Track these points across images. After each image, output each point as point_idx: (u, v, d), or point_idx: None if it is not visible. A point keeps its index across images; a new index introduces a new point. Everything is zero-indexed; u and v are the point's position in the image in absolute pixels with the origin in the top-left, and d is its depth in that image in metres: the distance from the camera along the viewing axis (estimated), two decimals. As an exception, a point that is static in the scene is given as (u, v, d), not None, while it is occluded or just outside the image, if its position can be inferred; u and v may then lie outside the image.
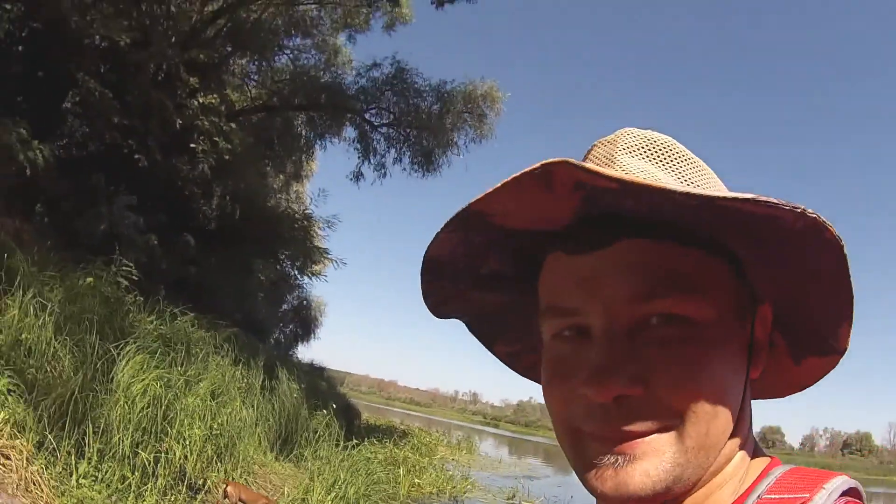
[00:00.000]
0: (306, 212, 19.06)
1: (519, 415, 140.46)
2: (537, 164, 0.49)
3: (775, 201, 0.48)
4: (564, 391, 0.58)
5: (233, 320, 12.18)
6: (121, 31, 11.45)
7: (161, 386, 6.95)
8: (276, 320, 24.91)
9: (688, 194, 0.48)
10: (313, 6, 18.52)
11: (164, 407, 6.81)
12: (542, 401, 0.63)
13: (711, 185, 0.64)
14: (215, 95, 13.29)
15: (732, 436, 0.58)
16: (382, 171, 19.82)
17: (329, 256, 18.62)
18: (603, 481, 0.55)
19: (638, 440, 0.54)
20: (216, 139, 12.62)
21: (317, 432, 11.84)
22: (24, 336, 6.29)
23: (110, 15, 11.75)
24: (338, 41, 19.99)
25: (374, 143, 19.60)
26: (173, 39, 12.97)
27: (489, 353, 0.79)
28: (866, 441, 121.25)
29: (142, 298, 9.16)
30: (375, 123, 19.37)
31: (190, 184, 12.45)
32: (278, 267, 18.29)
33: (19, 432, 5.34)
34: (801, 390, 0.70)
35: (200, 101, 12.75)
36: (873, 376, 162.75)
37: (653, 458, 0.54)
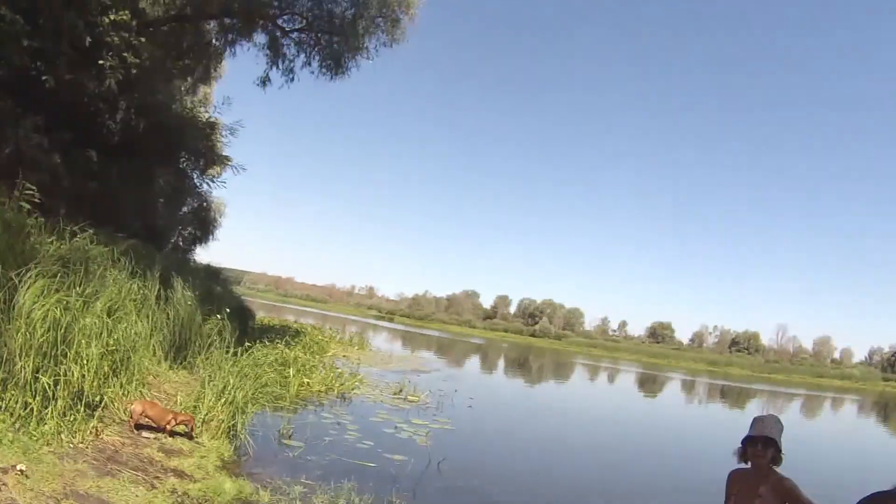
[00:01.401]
0: (210, 119, 19.30)
1: (414, 308, 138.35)
2: None
3: None
4: None
5: (132, 230, 12.73)
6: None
7: (60, 309, 7.15)
8: (175, 224, 25.07)
9: None
10: None
11: (63, 329, 7.05)
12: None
13: None
14: (126, 11, 13.17)
15: None
16: (291, 75, 20.05)
17: (230, 163, 19.11)
18: None
19: None
20: (125, 54, 12.66)
21: (209, 338, 12.63)
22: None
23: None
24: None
25: (284, 48, 19.69)
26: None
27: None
28: (754, 340, 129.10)
29: (43, 220, 9.39)
30: (287, 29, 19.51)
31: (96, 100, 12.56)
32: (179, 172, 18.42)
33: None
34: None
35: (112, 17, 12.61)
36: (764, 279, 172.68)
37: None
